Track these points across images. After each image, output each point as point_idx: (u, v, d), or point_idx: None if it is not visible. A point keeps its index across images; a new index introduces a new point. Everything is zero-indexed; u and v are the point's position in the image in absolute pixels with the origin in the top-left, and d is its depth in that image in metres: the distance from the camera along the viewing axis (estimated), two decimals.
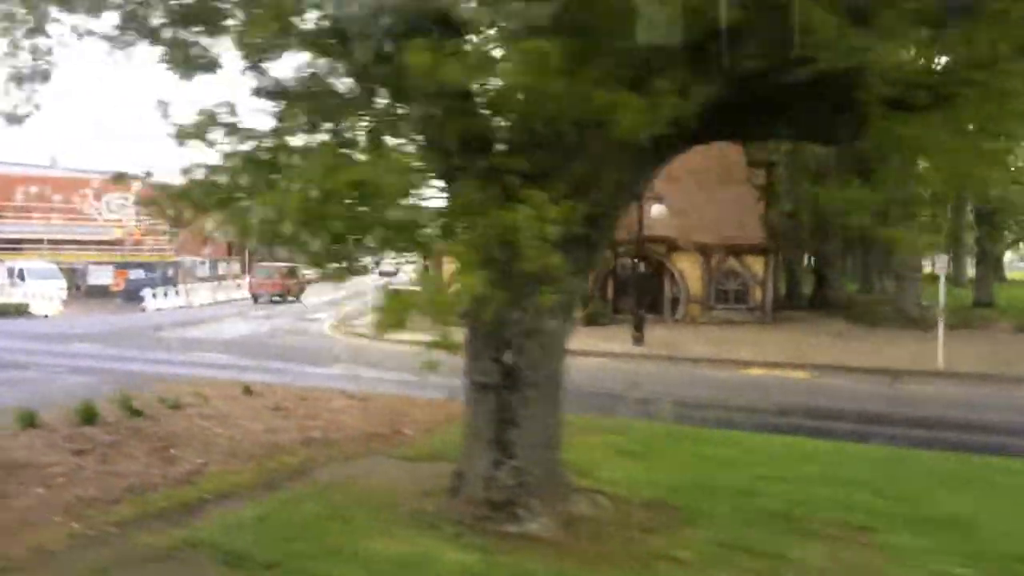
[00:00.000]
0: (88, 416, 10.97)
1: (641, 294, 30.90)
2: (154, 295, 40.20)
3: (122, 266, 42.21)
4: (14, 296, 37.73)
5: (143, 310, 38.73)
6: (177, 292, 41.51)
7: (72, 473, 8.67)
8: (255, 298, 43.54)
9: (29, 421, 10.77)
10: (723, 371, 20.36)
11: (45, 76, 7.46)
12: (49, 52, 7.36)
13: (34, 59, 7.35)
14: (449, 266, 7.43)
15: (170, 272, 44.84)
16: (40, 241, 45.05)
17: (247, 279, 46.41)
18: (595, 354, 22.88)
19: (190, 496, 7.93)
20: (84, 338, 25.48)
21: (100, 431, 10.61)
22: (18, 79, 7.34)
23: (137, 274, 42.48)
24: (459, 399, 8.02)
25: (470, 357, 7.16)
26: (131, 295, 41.13)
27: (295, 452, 9.69)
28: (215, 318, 35.07)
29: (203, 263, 48.58)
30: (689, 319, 29.86)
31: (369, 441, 10.29)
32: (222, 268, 50.55)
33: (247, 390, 13.63)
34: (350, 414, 12.03)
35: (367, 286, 34.65)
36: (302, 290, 44.62)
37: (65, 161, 53.87)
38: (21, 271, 40.13)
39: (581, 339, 25.11)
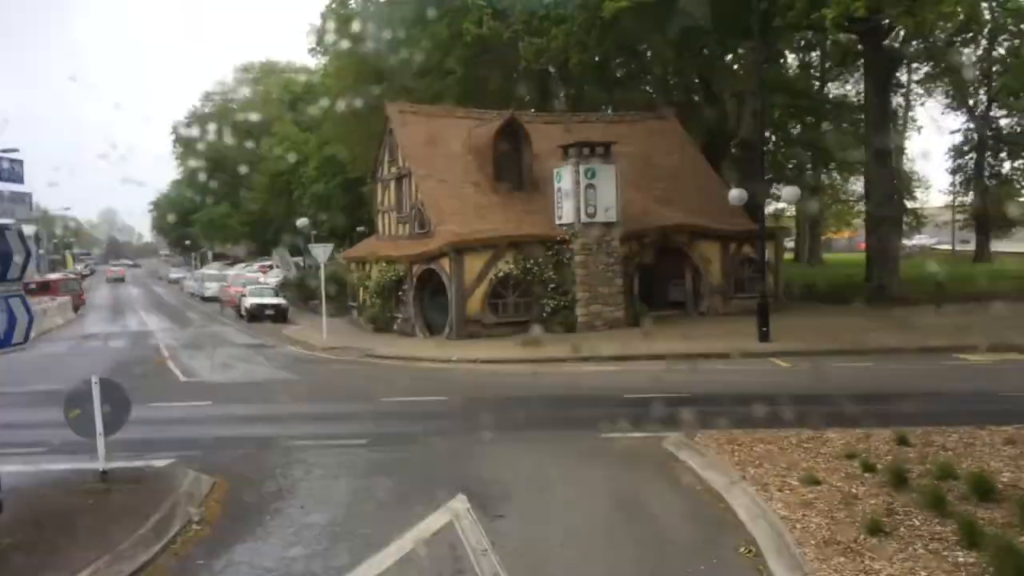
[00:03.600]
0: None
1: (665, 287, 29.27)
2: None
3: None
4: None
5: None
6: None
7: None
8: None
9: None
10: (944, 360, 19.58)
11: None
12: None
13: None
14: None
15: None
16: None
17: None
18: (716, 356, 20.95)
19: None
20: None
21: None
22: None
23: None
24: None
25: None
26: None
27: None
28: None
29: None
30: (713, 311, 28.64)
31: None
32: None
33: (902, 440, 10.21)
34: None
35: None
36: None
37: None
38: None
39: (677, 341, 23.11)
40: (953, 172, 54.13)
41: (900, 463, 9.20)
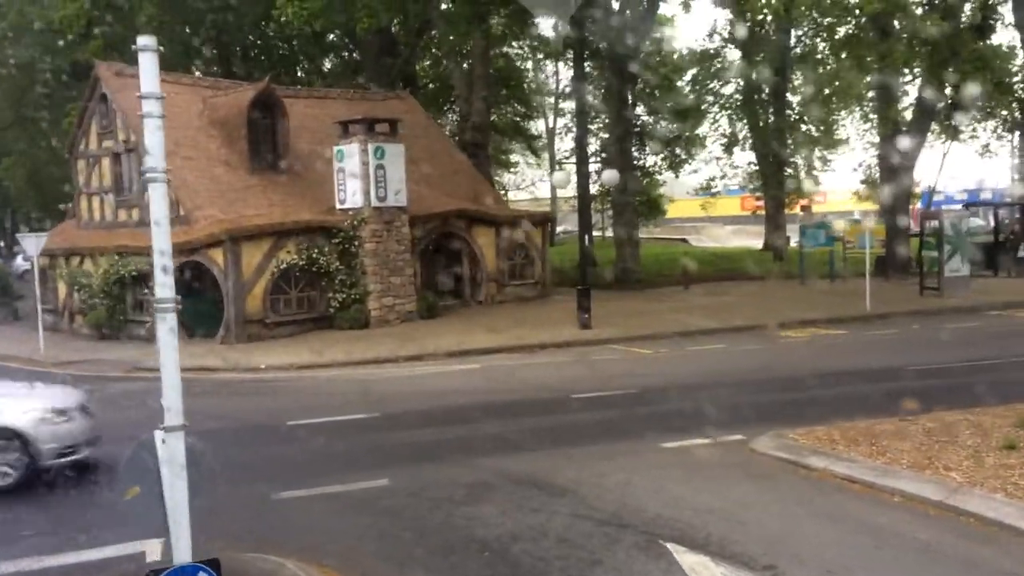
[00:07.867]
0: None
1: (435, 276, 27.60)
2: None
3: None
4: None
5: None
6: None
7: None
8: None
9: None
10: (777, 339, 20.37)
11: None
12: None
13: None
14: None
15: None
16: None
17: None
18: (552, 346, 20.17)
19: None
20: None
21: None
22: None
23: None
24: None
25: None
26: None
27: None
28: None
29: None
30: (489, 299, 27.40)
31: None
32: None
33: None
34: None
35: None
36: None
37: None
38: None
39: (498, 333, 21.60)
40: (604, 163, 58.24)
41: None
